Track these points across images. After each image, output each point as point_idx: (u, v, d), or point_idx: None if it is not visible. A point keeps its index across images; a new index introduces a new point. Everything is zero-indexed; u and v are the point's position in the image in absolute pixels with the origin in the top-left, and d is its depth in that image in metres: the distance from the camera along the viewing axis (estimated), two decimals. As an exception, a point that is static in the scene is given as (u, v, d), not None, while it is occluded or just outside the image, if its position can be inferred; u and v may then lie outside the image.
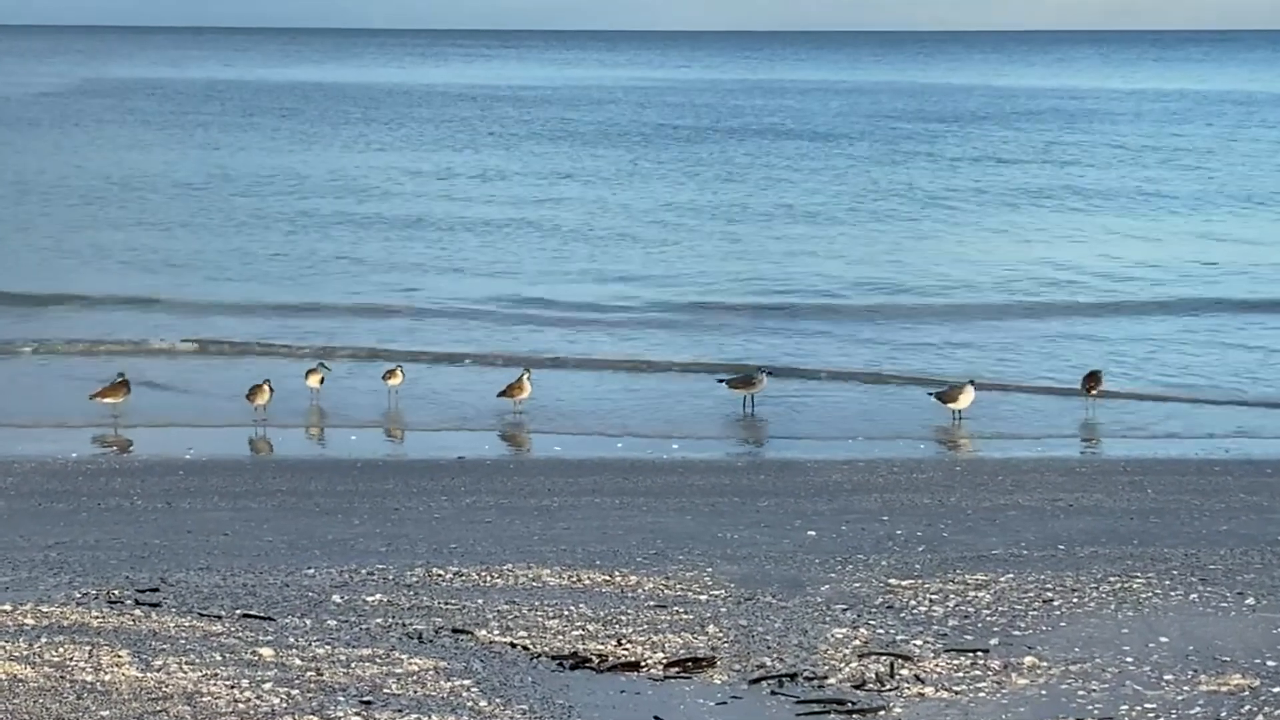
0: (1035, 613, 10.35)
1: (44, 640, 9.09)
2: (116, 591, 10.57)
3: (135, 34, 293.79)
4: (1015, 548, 12.82)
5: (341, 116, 77.77)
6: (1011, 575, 11.42)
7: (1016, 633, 9.90)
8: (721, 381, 21.36)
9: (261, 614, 9.99)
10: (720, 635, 9.73)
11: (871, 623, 10.07)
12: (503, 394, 20.73)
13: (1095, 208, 45.11)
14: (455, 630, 9.71)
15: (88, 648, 8.97)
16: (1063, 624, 10.08)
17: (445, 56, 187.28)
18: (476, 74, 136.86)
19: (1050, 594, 10.82)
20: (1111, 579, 11.27)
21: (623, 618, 10.07)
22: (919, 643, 9.63)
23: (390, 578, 11.24)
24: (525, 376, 20.66)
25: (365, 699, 8.34)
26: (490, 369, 23.62)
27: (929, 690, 8.87)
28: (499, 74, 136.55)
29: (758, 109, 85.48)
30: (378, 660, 8.96)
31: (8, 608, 9.86)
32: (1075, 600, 10.67)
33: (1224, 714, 8.48)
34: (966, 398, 20.06)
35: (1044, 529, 13.79)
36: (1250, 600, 10.62)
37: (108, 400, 20.29)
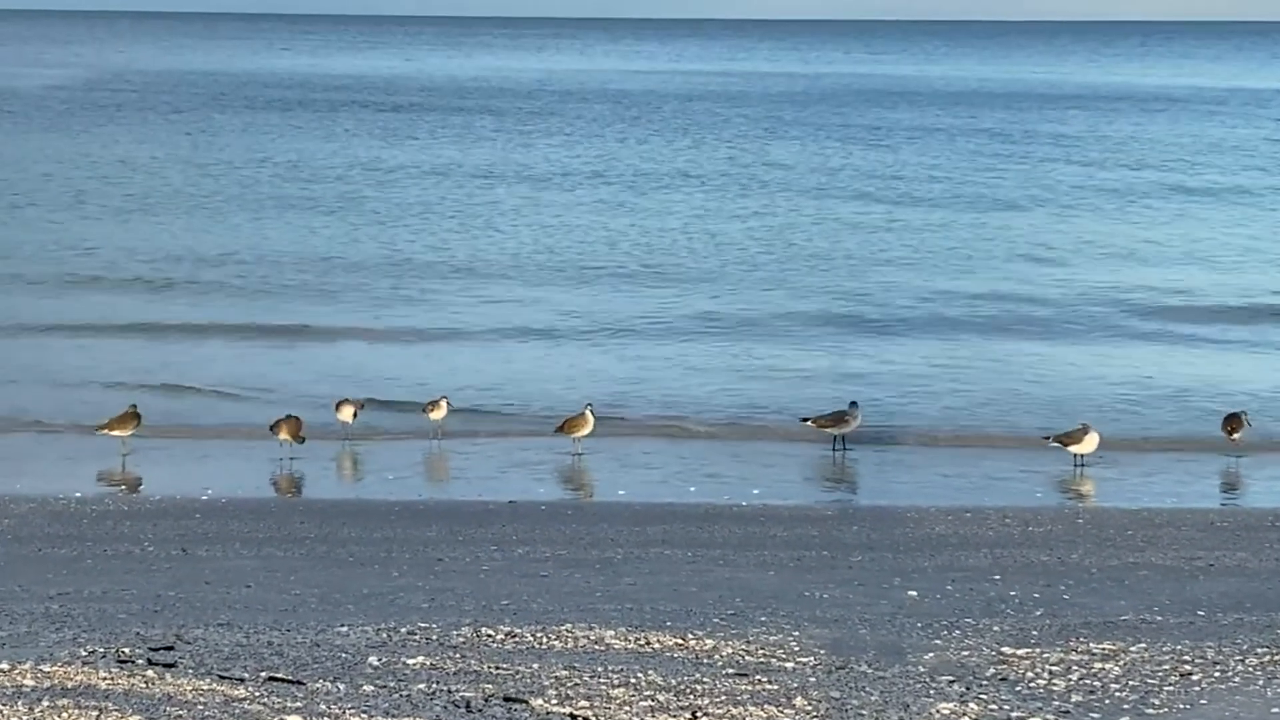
0: (1171, 688, 10.24)
1: (46, 704, 9.14)
2: (127, 649, 10.62)
3: (132, 20, 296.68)
4: (1148, 613, 12.71)
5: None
6: (1144, 644, 11.31)
7: (1150, 710, 9.80)
8: (806, 420, 21.27)
9: (289, 677, 10.02)
10: (809, 709, 9.68)
11: (983, 697, 9.99)
12: (560, 430, 20.75)
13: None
14: (507, 699, 9.70)
15: (94, 713, 9.01)
16: (1203, 701, 9.97)
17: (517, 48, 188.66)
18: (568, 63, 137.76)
19: (1189, 666, 10.71)
20: (1259, 650, 11.14)
21: (698, 687, 10.03)
22: (1037, 721, 9.55)
23: (433, 638, 11.26)
24: (587, 410, 20.68)
25: (406, 776, 8.33)
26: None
27: (1050, 776, 8.78)
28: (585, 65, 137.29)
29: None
30: (420, 732, 8.96)
31: (5, 667, 9.93)
32: (1218, 674, 10.55)
33: (1393, 809, 8.34)
34: (1091, 441, 19.92)
35: (1180, 592, 13.65)
36: None
37: (115, 433, 20.46)
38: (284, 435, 20.37)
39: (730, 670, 10.51)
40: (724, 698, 9.81)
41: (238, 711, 9.16)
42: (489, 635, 11.36)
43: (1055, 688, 10.26)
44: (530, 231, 41.24)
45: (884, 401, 23.30)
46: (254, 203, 46.36)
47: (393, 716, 9.20)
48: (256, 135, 67.51)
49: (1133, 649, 11.18)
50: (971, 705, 9.80)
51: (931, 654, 11.13)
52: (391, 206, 45.53)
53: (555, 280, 34.03)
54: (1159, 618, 12.52)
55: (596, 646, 11.12)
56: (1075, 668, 10.71)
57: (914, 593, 13.54)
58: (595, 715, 9.50)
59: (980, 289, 33.44)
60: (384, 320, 29.89)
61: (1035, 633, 11.83)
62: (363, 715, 9.19)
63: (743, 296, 32.40)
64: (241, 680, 9.86)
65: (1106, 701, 9.97)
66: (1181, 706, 9.87)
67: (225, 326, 29.09)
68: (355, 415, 21.35)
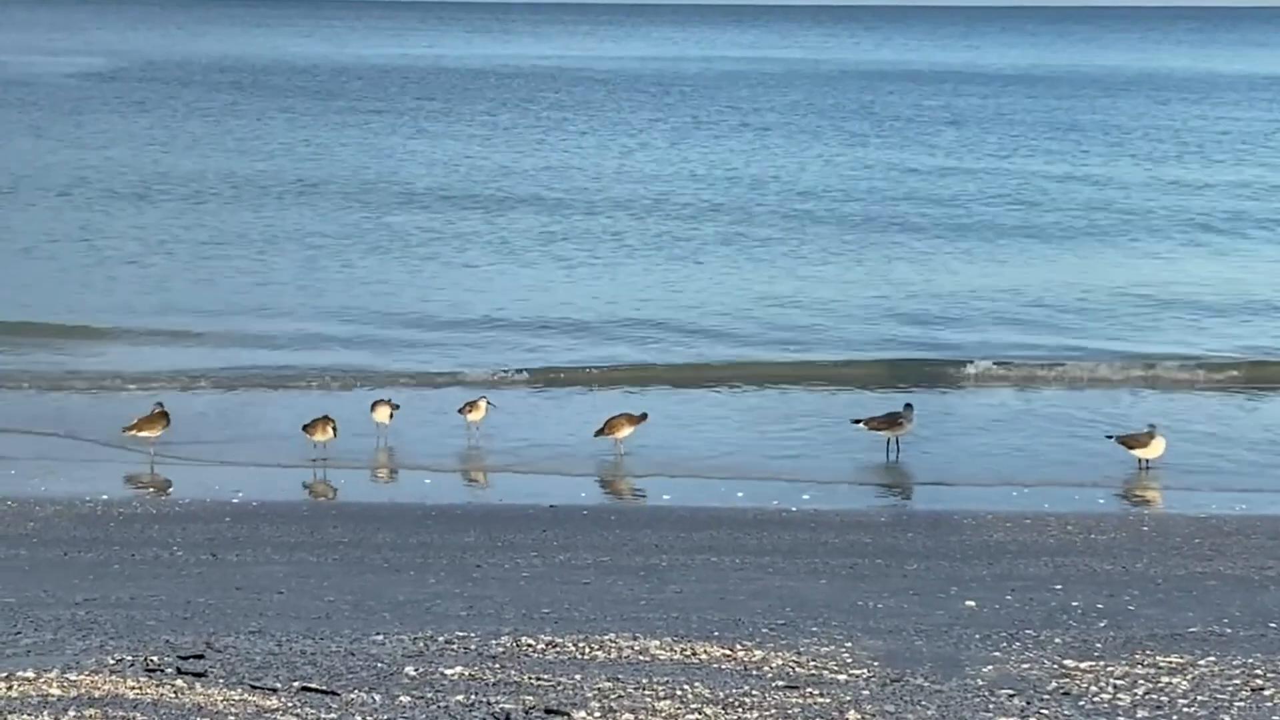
0: (1242, 703, 10.18)
1: (72, 714, 9.20)
2: (155, 658, 10.68)
3: (136, 6, 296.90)
4: (1217, 625, 12.65)
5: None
6: (1213, 658, 11.25)
7: (1220, 727, 9.76)
8: (858, 422, 21.25)
9: (323, 687, 10.05)
10: (863, 723, 9.67)
11: (1044, 712, 9.96)
12: (601, 432, 20.78)
13: None
14: (549, 711, 9.72)
15: (122, 723, 9.06)
16: (1276, 717, 9.91)
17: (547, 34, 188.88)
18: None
19: (1261, 680, 10.64)
20: (1335, 664, 11.07)
21: (746, 700, 10.02)
22: (1102, 737, 9.51)
23: (472, 647, 11.28)
24: (623, 416, 20.76)
25: (444, 790, 8.34)
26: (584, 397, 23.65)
27: (1114, 794, 8.75)
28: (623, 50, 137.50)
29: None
30: (458, 745, 8.98)
31: (30, 675, 9.99)
32: (1291, 689, 10.49)
33: None
34: (1158, 445, 19.84)
35: (1251, 602, 13.58)
36: None
37: (143, 434, 20.57)
38: (318, 436, 20.46)
39: (780, 682, 10.50)
40: (773, 711, 9.80)
41: (270, 723, 9.20)
42: (529, 645, 11.38)
43: (1120, 703, 10.21)
44: (557, 269, 37.80)
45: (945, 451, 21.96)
46: (262, 205, 46.05)
47: (430, 729, 9.23)
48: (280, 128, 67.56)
49: (1201, 662, 11.12)
50: (1032, 720, 9.78)
51: (990, 666, 11.10)
52: (408, 233, 42.17)
53: (585, 329, 31.92)
54: (1228, 629, 12.45)
55: (641, 657, 11.12)
56: (1141, 682, 10.66)
57: (972, 602, 13.50)
58: (640, 729, 9.51)
59: (1052, 337, 31.26)
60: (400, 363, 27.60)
61: (1099, 645, 11.79)
62: (399, 727, 9.21)
63: (784, 340, 30.50)
64: (274, 690, 9.90)
65: (1174, 717, 9.92)
66: (1253, 723, 9.83)
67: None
68: (391, 416, 21.42)
